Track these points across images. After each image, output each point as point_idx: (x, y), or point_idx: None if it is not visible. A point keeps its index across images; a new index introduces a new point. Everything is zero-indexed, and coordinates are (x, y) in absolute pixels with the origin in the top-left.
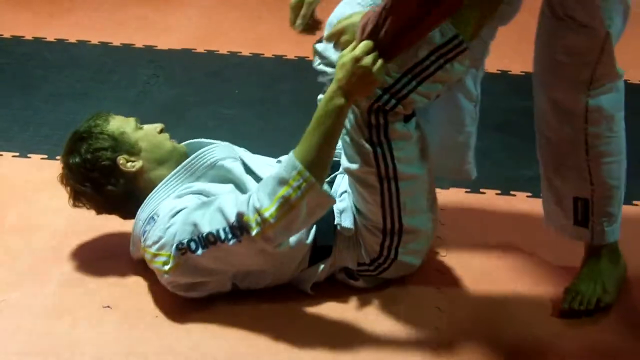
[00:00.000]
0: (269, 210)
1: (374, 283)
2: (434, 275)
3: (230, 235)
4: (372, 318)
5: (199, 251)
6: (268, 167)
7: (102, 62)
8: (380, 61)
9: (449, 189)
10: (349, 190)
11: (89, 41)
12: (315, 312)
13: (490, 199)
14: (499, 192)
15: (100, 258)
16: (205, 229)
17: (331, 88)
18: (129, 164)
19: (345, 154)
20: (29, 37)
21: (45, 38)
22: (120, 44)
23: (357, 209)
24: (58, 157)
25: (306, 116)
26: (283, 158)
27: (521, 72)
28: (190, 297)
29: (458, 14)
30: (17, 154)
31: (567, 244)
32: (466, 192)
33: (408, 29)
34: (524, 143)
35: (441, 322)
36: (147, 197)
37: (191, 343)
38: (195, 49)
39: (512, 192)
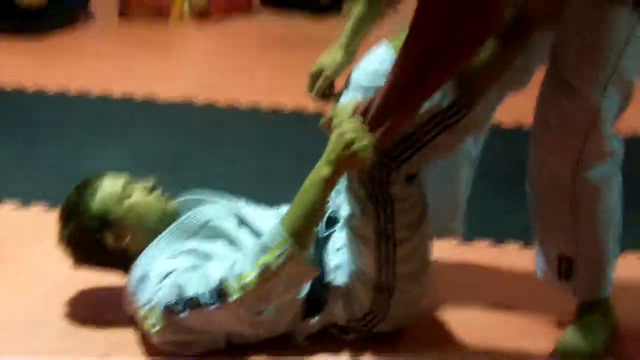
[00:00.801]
0: (250, 276)
1: (365, 336)
2: (427, 328)
3: (211, 300)
4: None
5: (184, 313)
6: (265, 218)
7: (103, 113)
8: (366, 139)
9: (440, 239)
10: (345, 244)
11: (90, 92)
12: None
13: (482, 249)
14: (490, 242)
15: (99, 308)
16: (190, 292)
17: (321, 159)
18: (117, 241)
19: (348, 205)
20: (30, 88)
21: (47, 88)
22: (121, 94)
23: (353, 263)
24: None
25: (304, 165)
26: (284, 209)
27: (513, 124)
28: (184, 355)
29: (460, 81)
30: (19, 204)
31: (560, 297)
32: (458, 243)
33: (398, 105)
34: (515, 193)
35: None
36: (140, 256)
37: None
38: (195, 100)
39: (504, 243)
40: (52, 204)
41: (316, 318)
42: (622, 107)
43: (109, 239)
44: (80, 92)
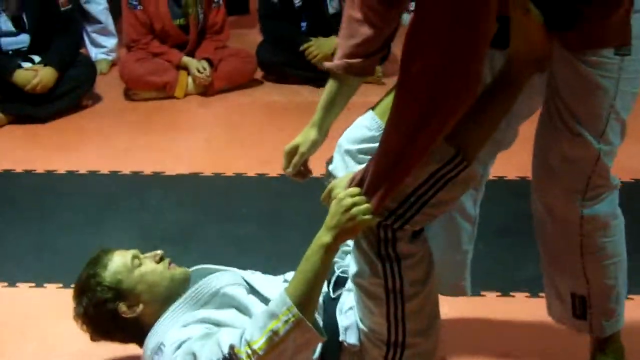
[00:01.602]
0: (258, 342)
1: None
2: None
3: None
4: None
5: None
6: (272, 286)
7: (112, 190)
8: (364, 205)
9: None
10: (355, 304)
11: (99, 171)
12: None
13: (490, 301)
14: (499, 294)
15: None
16: (202, 359)
17: (322, 228)
18: (130, 310)
19: (355, 265)
20: (40, 170)
21: (56, 170)
22: (130, 171)
23: (363, 322)
24: (73, 285)
25: (312, 231)
26: (289, 276)
27: (516, 177)
28: None
29: (458, 134)
30: (34, 284)
31: (569, 346)
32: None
33: (392, 169)
34: (522, 245)
35: None
36: (154, 327)
37: None
38: (203, 173)
39: (511, 294)
40: (67, 283)
41: None
42: (619, 144)
43: (123, 308)
44: (89, 171)
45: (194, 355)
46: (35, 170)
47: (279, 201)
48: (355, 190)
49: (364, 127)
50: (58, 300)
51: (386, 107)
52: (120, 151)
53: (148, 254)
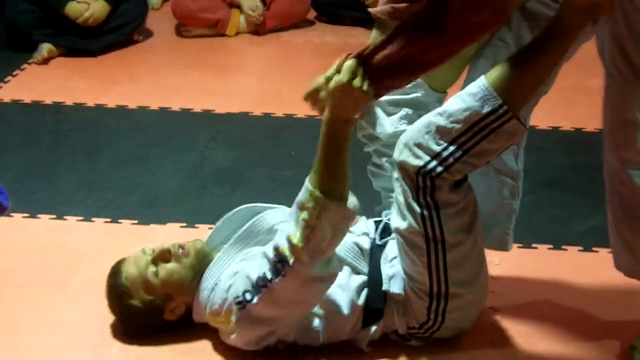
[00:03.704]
0: (296, 235)
1: (427, 342)
2: (489, 330)
3: (275, 274)
4: None
5: (255, 299)
6: None
7: (162, 127)
8: (367, 80)
9: None
10: (398, 253)
11: (149, 107)
12: None
13: (542, 253)
14: (550, 246)
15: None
16: (254, 275)
17: (328, 116)
18: (173, 313)
19: (396, 213)
20: (90, 104)
21: (107, 105)
22: (179, 108)
23: (406, 272)
24: (121, 221)
25: (361, 174)
26: None
27: (571, 128)
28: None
29: (504, 83)
30: (82, 218)
31: (623, 298)
32: (518, 247)
33: (397, 67)
34: (575, 198)
35: None
36: (208, 268)
37: None
38: (252, 112)
39: (563, 247)
40: (114, 218)
41: (374, 327)
42: None
43: (169, 316)
44: (139, 106)
45: (247, 276)
46: (85, 104)
47: None
48: (346, 63)
49: None
50: (105, 235)
51: None
52: (170, 88)
53: (156, 252)
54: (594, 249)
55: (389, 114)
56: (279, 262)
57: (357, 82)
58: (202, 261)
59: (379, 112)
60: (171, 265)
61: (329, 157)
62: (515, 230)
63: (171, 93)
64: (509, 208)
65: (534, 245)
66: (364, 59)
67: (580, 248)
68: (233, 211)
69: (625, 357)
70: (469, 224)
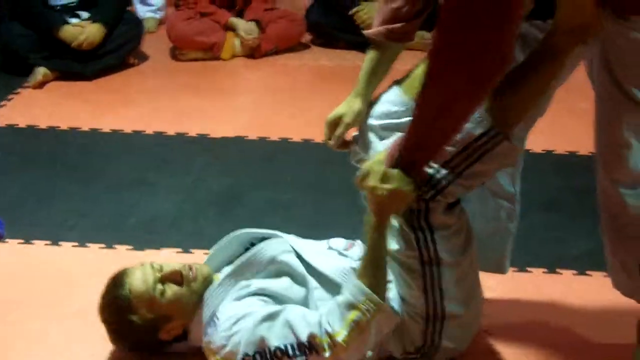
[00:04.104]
0: (341, 334)
1: None
2: (483, 354)
3: (298, 352)
4: None
5: None
6: (319, 255)
7: (157, 151)
8: (400, 182)
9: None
10: (393, 278)
11: (144, 131)
12: None
13: (537, 277)
14: (545, 270)
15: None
16: (273, 343)
17: (372, 220)
18: (169, 333)
19: (390, 237)
20: (85, 128)
21: (102, 129)
22: (175, 132)
23: (401, 296)
24: (116, 246)
25: (357, 198)
26: (332, 242)
27: (566, 151)
28: None
29: (496, 106)
30: (77, 243)
31: (618, 322)
32: (513, 271)
33: (424, 142)
34: (569, 222)
35: None
36: (206, 296)
37: None
38: (248, 136)
39: (558, 270)
40: (109, 244)
41: (370, 352)
42: None
43: (164, 336)
44: (134, 130)
45: (263, 339)
46: (80, 128)
47: (324, 167)
48: (392, 173)
49: (387, 102)
50: (100, 260)
51: (412, 82)
52: (166, 111)
53: (166, 270)
54: (588, 272)
55: (382, 139)
56: (308, 348)
57: (407, 186)
58: (206, 287)
59: (372, 136)
60: (179, 288)
61: (380, 259)
62: (511, 253)
63: (166, 117)
64: (506, 231)
65: (528, 268)
66: (400, 162)
67: (575, 272)
68: (228, 236)
69: None
70: (463, 245)
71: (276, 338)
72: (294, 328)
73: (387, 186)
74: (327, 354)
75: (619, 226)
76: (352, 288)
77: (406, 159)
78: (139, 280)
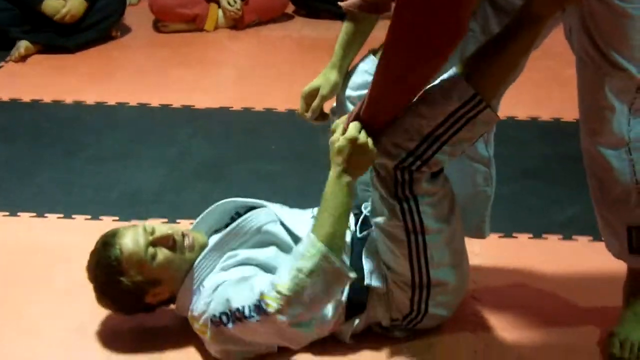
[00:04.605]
0: (286, 285)
1: (409, 333)
2: (469, 320)
3: (253, 314)
4: None
5: (230, 325)
6: (304, 224)
7: (141, 123)
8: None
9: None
10: (378, 247)
11: (128, 103)
12: (355, 359)
13: (522, 243)
14: (530, 235)
15: (146, 315)
16: (235, 304)
17: (334, 171)
18: (156, 297)
19: (374, 209)
20: (69, 101)
21: (85, 102)
22: (159, 104)
23: (387, 265)
24: (102, 218)
25: None
26: (317, 211)
27: (551, 118)
28: None
29: (476, 73)
30: (62, 215)
31: (604, 286)
32: (499, 236)
33: (387, 95)
34: (554, 188)
35: None
36: (192, 269)
37: None
38: (232, 107)
39: (544, 236)
40: (95, 215)
41: (357, 320)
42: None
43: (150, 299)
44: (118, 102)
45: (228, 300)
46: (63, 101)
47: (308, 137)
48: (358, 124)
49: (364, 72)
50: (86, 232)
51: None
52: (149, 83)
53: (158, 234)
54: (574, 237)
55: None
56: (259, 307)
57: (363, 138)
58: (198, 255)
59: (350, 107)
60: (170, 254)
61: (341, 214)
62: (495, 220)
63: (150, 89)
64: (484, 195)
65: (514, 234)
66: (361, 120)
67: (560, 237)
68: (213, 206)
69: (605, 343)
70: (447, 213)
71: (239, 299)
72: (254, 289)
73: (347, 136)
74: (271, 309)
75: (606, 190)
76: (305, 239)
77: (365, 117)
78: (131, 242)
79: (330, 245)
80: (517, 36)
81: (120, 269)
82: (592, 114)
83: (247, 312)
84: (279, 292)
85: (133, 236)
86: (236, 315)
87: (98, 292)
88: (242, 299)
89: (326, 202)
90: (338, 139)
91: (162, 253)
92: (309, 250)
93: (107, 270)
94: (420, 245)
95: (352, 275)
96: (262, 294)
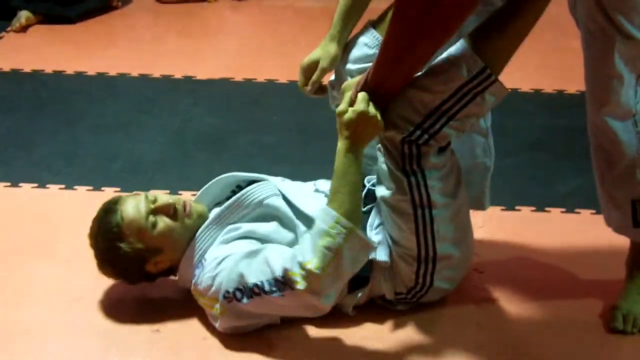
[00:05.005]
0: (313, 262)
1: (412, 306)
2: (473, 292)
3: (274, 288)
4: (413, 335)
5: (244, 300)
6: (306, 198)
7: (143, 94)
8: (371, 111)
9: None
10: (383, 221)
11: (129, 73)
12: (357, 332)
13: (525, 215)
14: (533, 208)
15: (148, 285)
16: (251, 279)
17: (343, 143)
18: (156, 266)
19: (380, 183)
20: (70, 71)
21: (87, 72)
22: (160, 75)
23: (392, 239)
24: (103, 189)
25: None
26: (319, 183)
27: (553, 90)
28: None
29: (485, 45)
30: (64, 186)
31: (606, 259)
32: (501, 209)
33: (395, 66)
34: (557, 160)
35: (481, 338)
36: (195, 237)
37: None
38: (234, 78)
39: (546, 209)
40: (96, 186)
41: (360, 293)
42: None
43: (151, 268)
44: (119, 73)
45: (241, 276)
46: (65, 72)
47: (310, 108)
48: (366, 95)
49: (364, 45)
50: (88, 203)
51: (388, 23)
52: (151, 54)
53: (160, 203)
54: (576, 210)
55: None
56: (283, 283)
57: (372, 110)
58: (199, 225)
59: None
60: (171, 222)
61: (350, 184)
62: (498, 193)
63: (151, 59)
64: (483, 167)
65: (517, 207)
66: (369, 89)
67: (563, 210)
68: (215, 179)
69: (608, 316)
70: (454, 187)
71: (254, 274)
72: (270, 264)
73: (356, 109)
74: (300, 287)
75: (612, 163)
76: (322, 214)
77: (373, 86)
78: (132, 209)
79: (352, 219)
80: (523, 9)
81: (121, 235)
82: (600, 85)
83: (267, 287)
84: (308, 271)
85: (134, 204)
86: (254, 291)
87: (99, 258)
88: (258, 274)
89: (339, 175)
90: (346, 110)
91: (163, 221)
92: (332, 226)
93: (107, 236)
94: (427, 219)
95: (375, 246)
96: (286, 270)
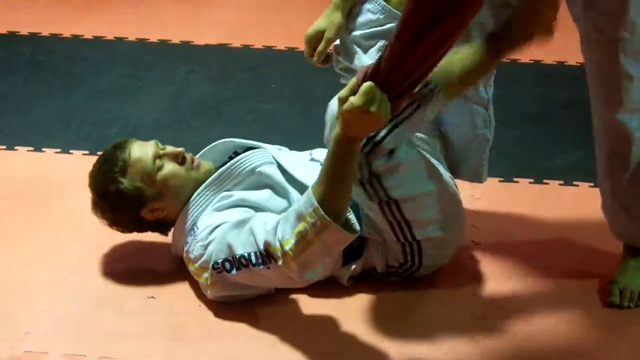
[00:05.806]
0: (289, 243)
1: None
2: (469, 263)
3: (260, 261)
4: (409, 305)
5: (233, 271)
6: (301, 166)
7: (140, 59)
8: (385, 101)
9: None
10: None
11: (127, 38)
12: (352, 302)
13: (523, 187)
14: (532, 180)
15: (143, 251)
16: (239, 251)
17: (339, 134)
18: (153, 213)
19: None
20: (67, 34)
21: (83, 35)
22: (157, 39)
23: (376, 223)
24: (99, 153)
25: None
26: (315, 152)
27: (553, 61)
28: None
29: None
30: (59, 150)
31: (603, 232)
32: (500, 181)
33: (406, 57)
34: (556, 133)
35: (477, 307)
36: (189, 202)
37: (234, 328)
38: (231, 44)
39: (545, 181)
40: (92, 150)
41: (354, 265)
42: None
43: (146, 214)
44: (116, 37)
45: (230, 246)
46: (61, 35)
47: (308, 76)
48: (369, 87)
49: (367, 11)
50: (84, 167)
51: None
52: (148, 18)
53: (169, 150)
54: (575, 183)
55: (366, 49)
56: (266, 256)
57: (373, 107)
58: (203, 181)
59: (355, 48)
60: (177, 167)
61: (336, 174)
62: (496, 164)
63: (148, 24)
64: (483, 138)
65: (515, 179)
66: (379, 81)
67: (562, 182)
68: (213, 144)
69: (605, 291)
70: (422, 178)
71: (242, 245)
72: (256, 236)
73: (357, 104)
74: (280, 262)
75: (627, 164)
76: (305, 197)
77: (382, 76)
78: (140, 148)
79: (332, 206)
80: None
81: (125, 170)
82: (609, 87)
83: (253, 259)
84: (284, 251)
85: (144, 146)
86: (242, 262)
87: (97, 193)
88: (245, 246)
89: (327, 159)
90: (347, 98)
91: (169, 166)
92: (310, 214)
93: (111, 168)
94: (396, 214)
95: (354, 234)
96: (268, 244)
